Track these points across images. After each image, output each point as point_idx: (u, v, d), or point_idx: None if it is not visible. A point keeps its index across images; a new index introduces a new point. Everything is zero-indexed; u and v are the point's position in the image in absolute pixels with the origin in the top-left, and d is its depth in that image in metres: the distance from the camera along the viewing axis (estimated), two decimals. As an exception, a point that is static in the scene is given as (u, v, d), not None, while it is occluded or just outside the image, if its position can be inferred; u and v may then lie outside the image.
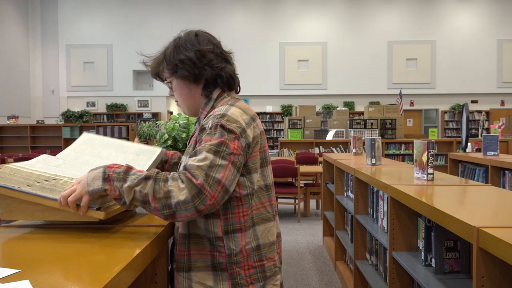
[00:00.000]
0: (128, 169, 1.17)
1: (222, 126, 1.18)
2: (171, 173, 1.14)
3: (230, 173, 1.14)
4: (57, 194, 1.19)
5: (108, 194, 1.16)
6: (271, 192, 1.34)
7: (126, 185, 1.12)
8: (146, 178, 1.12)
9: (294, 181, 6.54)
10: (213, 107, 1.33)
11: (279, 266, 1.35)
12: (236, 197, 1.23)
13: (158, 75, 1.43)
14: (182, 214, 1.11)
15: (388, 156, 8.79)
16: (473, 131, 13.45)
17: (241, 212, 1.24)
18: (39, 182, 1.21)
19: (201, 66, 1.32)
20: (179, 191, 1.10)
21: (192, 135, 1.39)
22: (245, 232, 1.25)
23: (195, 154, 1.16)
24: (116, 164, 1.19)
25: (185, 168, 1.14)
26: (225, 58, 1.37)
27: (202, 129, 1.22)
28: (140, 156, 1.43)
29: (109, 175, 1.14)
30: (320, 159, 6.26)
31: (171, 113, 14.89)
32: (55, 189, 1.21)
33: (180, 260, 1.27)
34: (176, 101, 1.42)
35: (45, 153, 12.31)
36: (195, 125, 1.49)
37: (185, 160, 1.27)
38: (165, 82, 1.40)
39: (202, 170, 1.11)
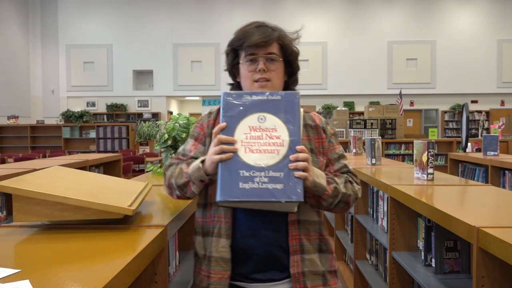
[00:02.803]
0: (328, 175, 1.30)
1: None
2: (346, 176, 1.34)
3: None
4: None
5: (318, 193, 1.23)
6: None
7: (342, 189, 1.28)
8: (346, 181, 1.31)
9: (294, 181, 6.53)
10: None
11: None
12: None
13: (272, 42, 1.33)
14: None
15: (388, 156, 8.78)
16: (473, 131, 13.44)
17: None
18: None
19: (297, 66, 1.42)
20: (359, 191, 1.36)
21: (309, 135, 1.38)
22: None
23: (343, 157, 1.39)
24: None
25: (348, 170, 1.37)
26: None
27: (324, 131, 1.38)
28: None
29: (328, 179, 1.26)
30: (320, 159, 6.25)
31: (171, 113, 14.89)
32: None
33: (293, 244, 1.30)
34: (264, 80, 1.32)
35: (45, 153, 11.91)
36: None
37: (320, 159, 1.35)
38: (272, 54, 1.34)
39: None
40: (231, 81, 1.45)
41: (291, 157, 1.11)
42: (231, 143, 1.12)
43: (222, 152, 1.12)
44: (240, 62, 1.35)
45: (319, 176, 1.20)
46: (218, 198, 1.09)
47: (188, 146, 1.38)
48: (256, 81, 1.32)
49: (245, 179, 1.09)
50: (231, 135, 1.13)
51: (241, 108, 1.15)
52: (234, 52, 1.37)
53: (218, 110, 1.38)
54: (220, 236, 1.27)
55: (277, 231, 1.28)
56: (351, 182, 1.34)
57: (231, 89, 1.44)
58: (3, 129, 12.18)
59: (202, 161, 1.21)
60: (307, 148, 1.28)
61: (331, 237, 4.44)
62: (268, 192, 1.08)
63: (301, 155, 1.12)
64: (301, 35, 1.40)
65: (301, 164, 1.11)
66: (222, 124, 1.14)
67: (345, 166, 1.37)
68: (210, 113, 1.42)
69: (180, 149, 1.41)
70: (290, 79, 1.42)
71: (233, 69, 1.40)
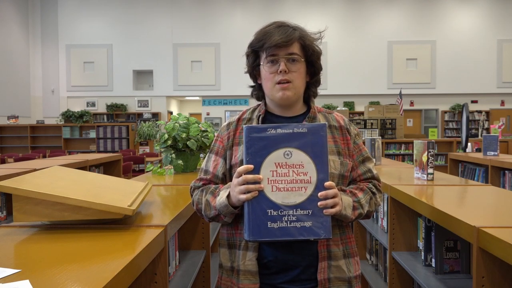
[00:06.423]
0: (355, 195, 1.29)
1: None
2: (372, 184, 1.36)
3: None
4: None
5: (341, 219, 1.25)
6: None
7: (366, 209, 1.29)
8: (371, 198, 1.32)
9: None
10: (313, 108, 1.44)
11: None
12: None
13: (293, 42, 1.29)
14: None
15: (388, 156, 8.79)
16: (473, 131, 13.44)
17: None
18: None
19: (319, 66, 1.39)
20: (381, 199, 1.39)
21: (333, 137, 1.36)
22: None
23: (368, 159, 1.39)
24: (347, 192, 1.29)
25: (373, 175, 1.37)
26: None
27: (348, 131, 1.38)
28: None
29: (354, 205, 1.26)
30: (320, 159, 6.24)
31: (171, 113, 14.88)
32: None
33: (322, 250, 1.30)
34: (286, 81, 1.28)
35: (45, 153, 11.90)
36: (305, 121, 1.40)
37: (345, 162, 1.33)
38: (294, 54, 1.30)
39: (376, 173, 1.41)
40: (251, 83, 1.42)
41: (320, 194, 1.10)
42: (257, 181, 1.11)
43: (248, 190, 1.11)
44: (261, 63, 1.32)
45: (346, 207, 1.21)
46: (247, 237, 1.11)
47: (210, 163, 1.37)
48: (278, 83, 1.28)
49: (273, 219, 1.10)
50: (257, 172, 1.11)
51: (266, 143, 1.12)
52: (254, 53, 1.34)
53: (237, 120, 1.38)
54: (247, 249, 1.27)
55: (307, 240, 1.23)
56: (374, 194, 1.34)
57: (252, 92, 1.42)
58: (3, 129, 12.18)
59: (228, 195, 1.19)
60: (333, 150, 1.32)
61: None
62: (296, 230, 1.10)
63: (330, 192, 1.12)
64: (323, 35, 1.36)
65: (330, 201, 1.12)
66: (249, 166, 1.11)
67: (369, 170, 1.37)
68: (229, 124, 1.39)
69: (203, 165, 1.40)
70: (312, 80, 1.41)
71: (253, 71, 1.37)
